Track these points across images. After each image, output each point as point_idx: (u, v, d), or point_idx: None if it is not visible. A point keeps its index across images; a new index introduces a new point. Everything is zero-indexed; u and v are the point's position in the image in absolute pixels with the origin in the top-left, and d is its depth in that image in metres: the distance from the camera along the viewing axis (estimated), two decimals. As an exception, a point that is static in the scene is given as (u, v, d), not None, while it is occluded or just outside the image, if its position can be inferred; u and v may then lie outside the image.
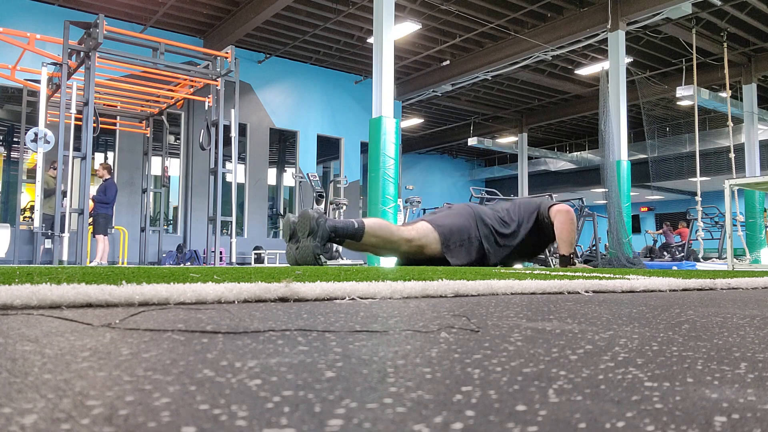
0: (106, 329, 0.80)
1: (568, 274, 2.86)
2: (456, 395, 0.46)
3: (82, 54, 7.74)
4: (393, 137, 8.87)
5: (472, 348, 0.71)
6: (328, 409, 0.41)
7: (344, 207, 11.04)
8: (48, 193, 8.59)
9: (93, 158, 9.39)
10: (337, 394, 0.46)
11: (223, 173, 8.70)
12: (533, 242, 4.58)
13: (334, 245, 10.29)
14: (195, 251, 12.16)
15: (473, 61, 14.62)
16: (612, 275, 2.74)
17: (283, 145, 17.48)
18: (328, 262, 9.42)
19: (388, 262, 8.52)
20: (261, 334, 0.78)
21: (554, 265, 8.80)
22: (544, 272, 2.98)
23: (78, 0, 11.53)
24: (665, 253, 14.14)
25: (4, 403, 0.41)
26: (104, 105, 10.50)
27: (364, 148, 12.53)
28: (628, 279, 2.19)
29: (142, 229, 11.43)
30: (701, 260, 11.43)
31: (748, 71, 14.94)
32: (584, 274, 2.95)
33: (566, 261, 4.45)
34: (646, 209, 27.67)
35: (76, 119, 7.61)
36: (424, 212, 11.51)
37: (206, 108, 9.16)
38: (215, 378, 0.51)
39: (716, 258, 12.43)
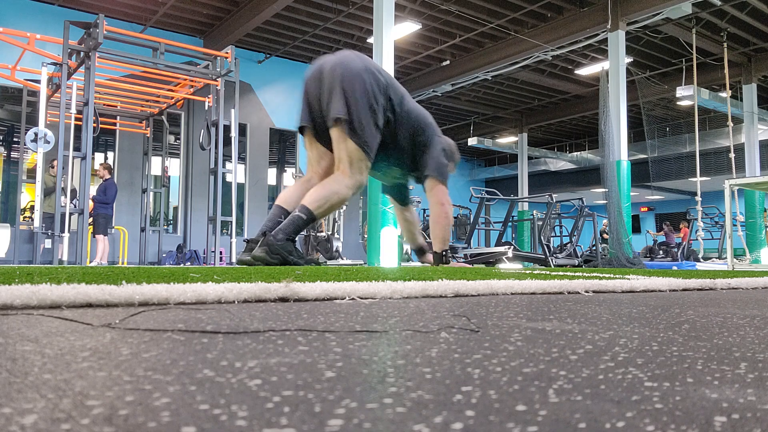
0: (106, 329, 0.80)
1: (568, 274, 2.86)
2: (456, 395, 0.46)
3: (82, 54, 7.73)
4: (393, 137, 8.85)
5: (472, 348, 0.71)
6: (328, 409, 0.41)
7: (344, 207, 11.03)
8: (47, 192, 8.60)
9: (93, 158, 9.39)
10: (337, 394, 0.46)
11: (223, 173, 8.69)
12: (403, 148, 3.92)
13: (334, 245, 10.30)
14: (195, 251, 12.16)
15: (473, 61, 14.61)
16: (612, 275, 2.74)
17: (283, 145, 17.46)
18: (328, 262, 9.42)
19: (389, 261, 8.51)
20: (261, 334, 0.78)
21: (553, 266, 8.80)
22: (544, 272, 2.98)
23: (78, 0, 11.52)
24: (665, 253, 14.14)
25: (4, 403, 0.41)
26: (104, 105, 10.49)
27: (364, 148, 12.49)
28: (628, 279, 2.19)
29: (142, 229, 11.43)
30: (701, 260, 11.43)
31: (748, 71, 14.93)
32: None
33: (439, 259, 4.00)
34: (646, 209, 27.67)
35: (76, 119, 7.60)
36: (424, 212, 11.51)
37: (206, 108, 9.15)
38: (215, 378, 0.51)
39: (716, 258, 12.43)
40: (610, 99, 10.50)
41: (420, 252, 4.56)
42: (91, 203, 8.58)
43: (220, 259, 9.71)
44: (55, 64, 7.95)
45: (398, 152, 3.94)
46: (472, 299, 1.47)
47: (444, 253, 3.96)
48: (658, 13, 11.49)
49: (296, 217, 3.50)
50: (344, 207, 11.00)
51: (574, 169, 22.62)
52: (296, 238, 3.56)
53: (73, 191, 8.56)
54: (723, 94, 13.73)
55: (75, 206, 8.02)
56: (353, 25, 12.91)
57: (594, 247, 10.75)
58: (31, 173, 11.42)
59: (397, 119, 3.81)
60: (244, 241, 3.65)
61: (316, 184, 3.69)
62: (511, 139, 21.44)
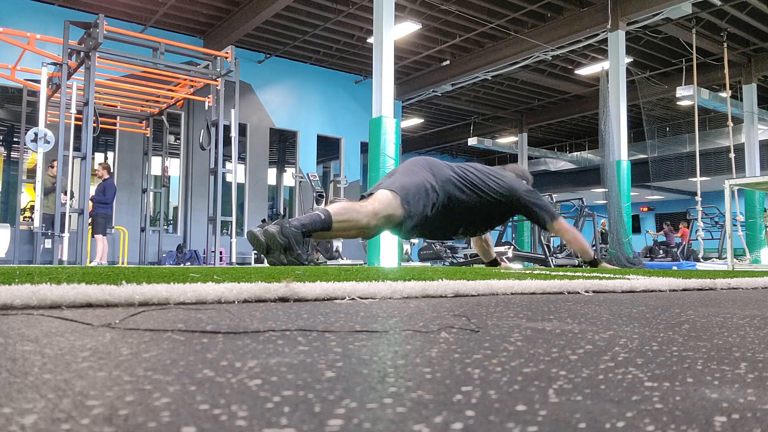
0: (106, 329, 0.80)
1: (568, 274, 2.86)
2: (456, 395, 0.46)
3: (82, 54, 7.73)
4: (393, 137, 8.87)
5: (472, 348, 0.71)
6: (328, 409, 0.41)
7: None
8: (46, 192, 8.60)
9: (93, 158, 9.38)
10: (337, 394, 0.46)
11: (223, 173, 8.69)
12: (492, 213, 4.33)
13: (334, 245, 10.29)
14: (195, 251, 12.16)
15: (473, 61, 14.61)
16: (612, 275, 2.74)
17: (283, 145, 17.48)
18: (328, 262, 9.42)
19: (389, 261, 8.51)
20: (261, 334, 0.78)
21: (554, 265, 8.79)
22: (544, 272, 2.98)
23: (78, 0, 11.52)
24: (665, 253, 14.14)
25: (4, 403, 0.41)
26: (104, 105, 10.49)
27: (364, 148, 12.51)
28: (628, 279, 2.19)
29: (142, 229, 11.43)
30: (701, 260, 11.42)
31: (748, 71, 14.93)
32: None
33: (595, 263, 4.69)
34: (646, 209, 27.67)
35: (76, 119, 7.60)
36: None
37: (206, 108, 9.15)
38: (215, 378, 0.51)
39: (716, 258, 12.43)
40: (610, 99, 10.49)
41: (494, 264, 5.07)
42: (90, 203, 8.58)
43: (220, 259, 9.70)
44: (55, 64, 7.95)
45: (481, 220, 4.38)
46: (472, 299, 1.47)
47: (595, 258, 4.70)
48: (658, 13, 11.49)
49: (316, 215, 3.61)
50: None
51: (574, 169, 22.63)
52: (307, 235, 3.58)
53: (64, 191, 8.52)
54: (723, 94, 13.72)
55: (71, 205, 8.02)
56: (353, 25, 12.91)
57: (594, 247, 10.75)
58: (31, 173, 11.43)
59: (475, 199, 4.15)
60: (262, 220, 3.70)
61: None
62: (511, 139, 21.44)
